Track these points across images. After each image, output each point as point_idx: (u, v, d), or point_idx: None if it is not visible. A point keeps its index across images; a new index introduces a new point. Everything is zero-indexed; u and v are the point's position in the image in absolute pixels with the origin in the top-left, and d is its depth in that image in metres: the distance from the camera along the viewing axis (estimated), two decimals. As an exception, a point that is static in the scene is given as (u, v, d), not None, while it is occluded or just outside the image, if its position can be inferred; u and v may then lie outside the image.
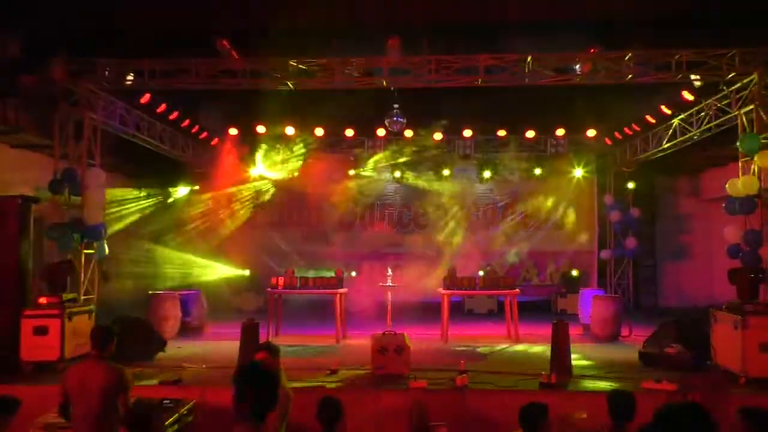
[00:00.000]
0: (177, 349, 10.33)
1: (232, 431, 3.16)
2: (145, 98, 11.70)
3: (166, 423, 5.65)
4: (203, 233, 15.91)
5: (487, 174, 16.06)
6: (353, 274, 15.87)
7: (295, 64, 10.46)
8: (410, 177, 16.48)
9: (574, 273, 16.22)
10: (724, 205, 10.14)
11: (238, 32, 10.21)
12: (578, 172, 16.05)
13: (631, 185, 15.81)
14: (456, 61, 10.39)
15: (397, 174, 16.29)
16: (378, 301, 12.39)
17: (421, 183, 16.50)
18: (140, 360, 8.80)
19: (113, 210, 13.17)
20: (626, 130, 14.14)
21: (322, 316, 12.78)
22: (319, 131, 14.67)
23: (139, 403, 6.10)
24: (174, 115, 12.97)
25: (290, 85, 10.67)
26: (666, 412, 2.68)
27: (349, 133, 14.81)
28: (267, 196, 16.69)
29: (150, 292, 12.18)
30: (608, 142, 15.30)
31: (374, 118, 13.33)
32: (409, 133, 14.35)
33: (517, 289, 11.71)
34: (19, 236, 8.71)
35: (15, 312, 8.47)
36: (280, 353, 5.43)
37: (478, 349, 10.60)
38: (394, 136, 14.94)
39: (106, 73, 10.47)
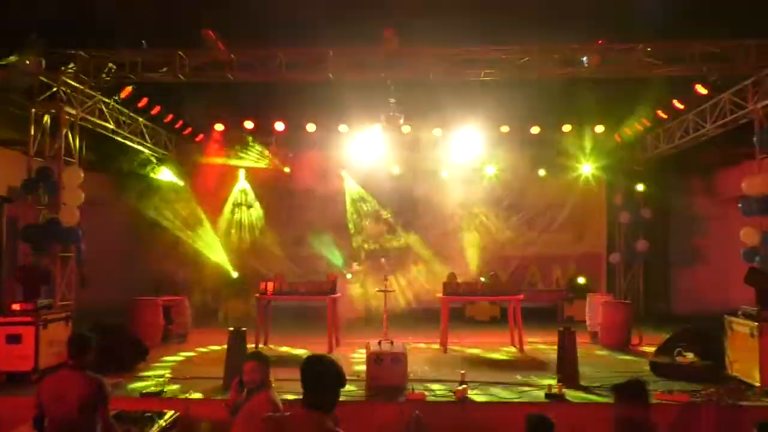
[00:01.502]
0: (159, 358, 10.32)
1: (291, 415, 3.48)
2: (126, 92, 11.68)
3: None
4: (187, 233, 15.88)
5: (490, 172, 16.05)
6: (348, 276, 15.87)
7: (284, 55, 10.48)
8: (408, 175, 16.40)
9: (582, 278, 16.23)
10: (740, 205, 10.18)
11: (224, 22, 10.19)
12: (586, 171, 16.05)
13: (641, 185, 15.84)
14: (456, 53, 10.39)
15: (395, 172, 16.25)
16: (373, 307, 12.40)
17: (419, 182, 16.42)
18: (120, 370, 8.79)
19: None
20: (637, 126, 14.17)
21: (313, 322, 12.78)
22: (311, 127, 14.66)
23: (120, 416, 6.10)
24: (156, 110, 12.96)
25: (280, 78, 10.68)
26: None
27: (343, 129, 14.78)
28: (251, 198, 16.71)
29: (131, 297, 12.16)
30: (618, 138, 15.32)
31: (369, 112, 13.32)
32: (406, 128, 14.35)
33: (521, 295, 11.71)
34: (-9, 238, 8.69)
35: (-14, 319, 8.44)
36: (270, 364, 5.41)
37: (480, 359, 10.61)
38: (391, 132, 14.91)
39: (85, 65, 10.46)
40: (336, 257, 16.10)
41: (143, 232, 15.73)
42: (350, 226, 16.83)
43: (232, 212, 16.75)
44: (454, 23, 10.49)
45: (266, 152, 15.89)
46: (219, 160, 15.68)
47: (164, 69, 10.51)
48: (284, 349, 11.43)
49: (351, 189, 16.69)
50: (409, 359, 8.50)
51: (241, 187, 16.69)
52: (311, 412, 3.39)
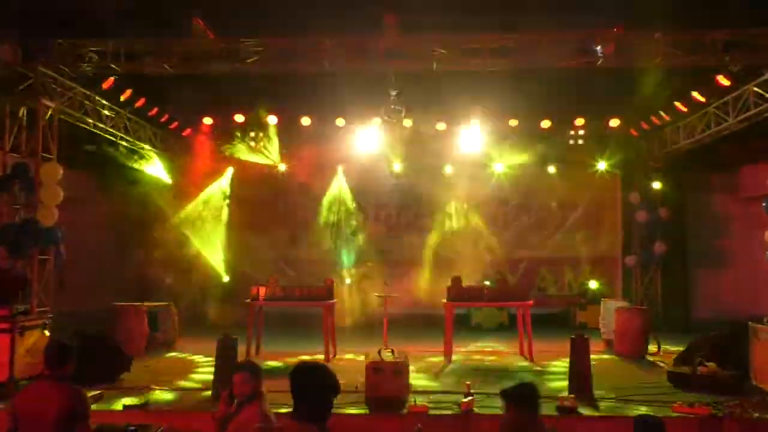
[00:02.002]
0: (144, 368, 10.31)
1: (282, 427, 3.53)
2: (108, 83, 11.66)
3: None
4: (175, 234, 15.84)
5: (497, 169, 16.01)
6: (347, 281, 15.87)
7: (278, 44, 10.46)
8: (409, 172, 16.35)
9: (595, 282, 16.22)
10: (764, 204, 10.16)
11: (214, 8, 10.18)
12: (600, 167, 16.01)
13: (658, 182, 15.82)
14: (461, 41, 10.37)
15: (395, 169, 16.20)
16: (373, 313, 12.38)
17: (422, 179, 16.38)
18: (102, 381, 8.78)
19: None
20: (654, 119, 14.15)
21: (309, 330, 12.76)
22: (306, 120, 14.64)
23: (101, 429, 6.08)
24: (140, 102, 12.94)
25: (273, 68, 10.66)
26: None
27: (340, 122, 14.77)
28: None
29: (114, 303, 12.16)
30: (634, 133, 15.31)
31: (368, 105, 13.30)
32: (408, 122, 14.32)
33: (531, 301, 11.70)
34: (-36, 240, 8.68)
35: (-42, 326, 8.43)
36: (262, 374, 5.39)
37: (487, 369, 10.60)
38: (392, 126, 14.88)
39: (64, 54, 10.44)
40: (347, 257, 16.14)
41: (127, 233, 15.71)
42: (333, 225, 16.75)
43: (221, 211, 16.69)
44: (458, 9, 10.49)
45: (258, 147, 15.84)
46: (207, 156, 15.64)
47: (149, 59, 10.49)
48: (278, 358, 11.40)
49: (344, 188, 16.64)
50: (410, 369, 8.49)
51: (222, 186, 16.63)
52: (303, 424, 3.36)
